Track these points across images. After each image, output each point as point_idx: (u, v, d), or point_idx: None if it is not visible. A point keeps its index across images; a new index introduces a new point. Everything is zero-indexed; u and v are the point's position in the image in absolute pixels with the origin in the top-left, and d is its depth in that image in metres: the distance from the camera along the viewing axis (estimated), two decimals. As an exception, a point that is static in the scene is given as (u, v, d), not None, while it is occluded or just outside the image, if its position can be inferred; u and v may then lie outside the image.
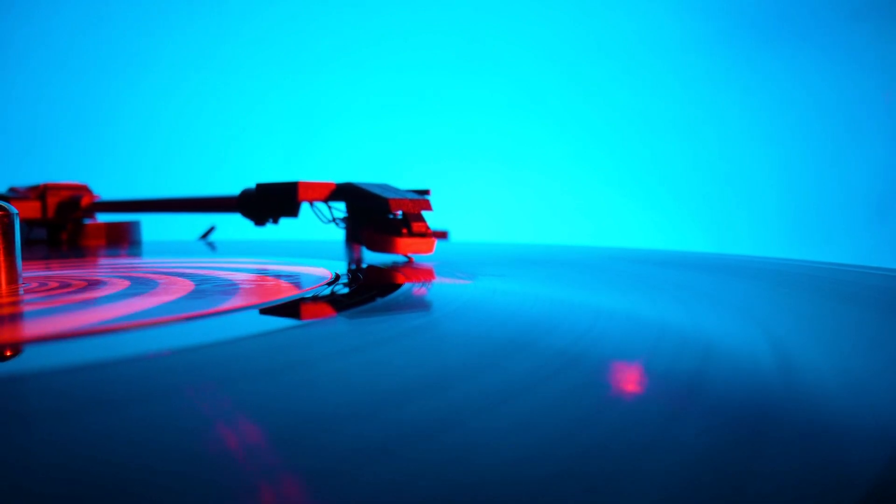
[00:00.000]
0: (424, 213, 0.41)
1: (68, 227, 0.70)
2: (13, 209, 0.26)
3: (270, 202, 0.46)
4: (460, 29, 1.53)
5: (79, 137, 1.48)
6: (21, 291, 0.26)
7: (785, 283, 0.31)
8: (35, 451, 0.11)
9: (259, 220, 0.48)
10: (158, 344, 0.17)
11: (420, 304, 0.25)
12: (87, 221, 0.71)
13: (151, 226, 0.75)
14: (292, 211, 0.45)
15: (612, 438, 0.12)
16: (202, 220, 0.81)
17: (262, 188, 0.47)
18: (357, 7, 1.53)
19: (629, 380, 0.16)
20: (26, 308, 0.23)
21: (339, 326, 0.21)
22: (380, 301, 0.25)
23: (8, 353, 0.17)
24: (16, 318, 0.21)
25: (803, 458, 0.11)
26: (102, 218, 0.72)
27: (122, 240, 0.70)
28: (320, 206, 0.45)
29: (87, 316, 0.21)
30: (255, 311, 0.22)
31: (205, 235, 0.77)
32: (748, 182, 1.51)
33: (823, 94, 1.45)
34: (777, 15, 1.48)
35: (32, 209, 0.69)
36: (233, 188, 0.51)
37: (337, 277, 0.31)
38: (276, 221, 0.47)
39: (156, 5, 1.50)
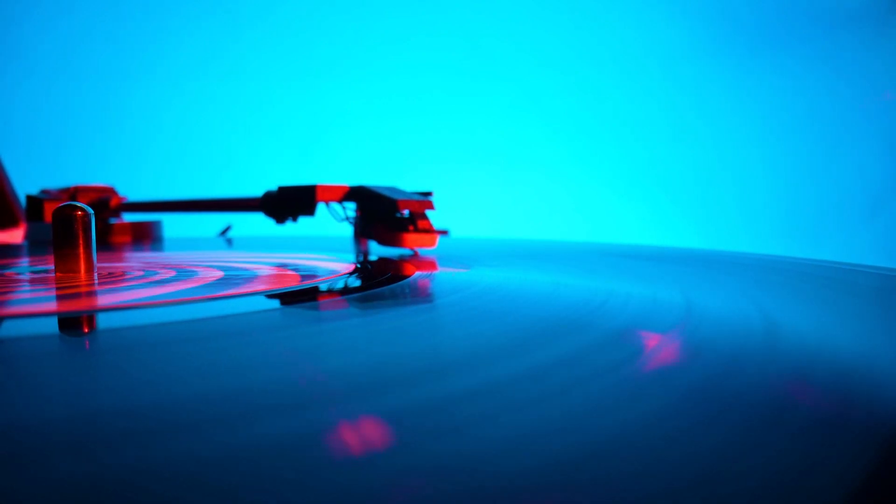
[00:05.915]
0: (428, 213, 0.47)
1: (97, 226, 0.76)
2: (90, 209, 0.31)
3: (291, 203, 0.51)
4: (462, 35, 1.59)
5: (85, 139, 1.53)
6: (96, 279, 0.31)
7: (778, 280, 0.34)
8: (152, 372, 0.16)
9: (280, 219, 0.53)
10: (249, 308, 0.23)
11: (424, 290, 0.31)
12: (114, 221, 0.76)
13: (170, 224, 0.81)
14: (310, 210, 0.50)
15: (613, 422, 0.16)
16: (217, 219, 0.87)
17: (283, 190, 0.52)
18: (361, 12, 1.59)
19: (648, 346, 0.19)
20: (105, 289, 0.28)
21: (353, 306, 0.27)
22: (387, 288, 0.30)
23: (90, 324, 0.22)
24: (95, 295, 0.27)
25: (799, 452, 0.12)
26: (128, 217, 0.78)
27: (146, 238, 0.75)
28: (335, 206, 0.50)
29: (164, 292, 0.26)
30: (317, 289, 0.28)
31: (223, 233, 0.82)
32: (742, 181, 1.55)
33: (815, 94, 1.49)
34: (770, 18, 1.53)
35: None
36: (240, 189, 0.56)
37: (356, 268, 0.37)
38: (295, 220, 0.52)
39: (163, 8, 1.55)
